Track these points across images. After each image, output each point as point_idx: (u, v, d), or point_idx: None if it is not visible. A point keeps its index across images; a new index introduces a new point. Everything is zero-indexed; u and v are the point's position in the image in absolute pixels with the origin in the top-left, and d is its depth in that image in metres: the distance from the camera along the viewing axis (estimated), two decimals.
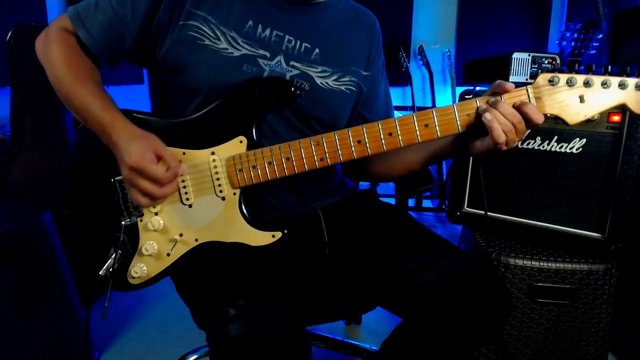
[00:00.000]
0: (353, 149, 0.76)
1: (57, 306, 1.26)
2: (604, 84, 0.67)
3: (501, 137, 0.69)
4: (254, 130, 0.79)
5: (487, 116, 0.69)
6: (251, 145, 0.79)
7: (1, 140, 1.76)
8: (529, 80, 1.23)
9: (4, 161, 1.67)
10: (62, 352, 1.27)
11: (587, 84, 0.68)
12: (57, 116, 1.72)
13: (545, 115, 0.70)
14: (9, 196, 1.61)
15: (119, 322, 1.65)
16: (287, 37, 0.85)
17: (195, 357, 1.31)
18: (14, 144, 1.67)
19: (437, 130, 0.73)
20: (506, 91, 0.71)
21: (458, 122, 0.73)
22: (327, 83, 0.88)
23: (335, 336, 1.37)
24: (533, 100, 0.70)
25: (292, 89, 0.80)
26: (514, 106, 0.70)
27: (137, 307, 1.76)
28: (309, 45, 0.87)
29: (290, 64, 0.85)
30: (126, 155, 0.69)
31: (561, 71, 0.70)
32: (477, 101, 0.72)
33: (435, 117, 0.73)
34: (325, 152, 0.77)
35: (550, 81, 0.69)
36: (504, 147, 0.71)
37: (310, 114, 0.88)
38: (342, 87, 0.90)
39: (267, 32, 0.84)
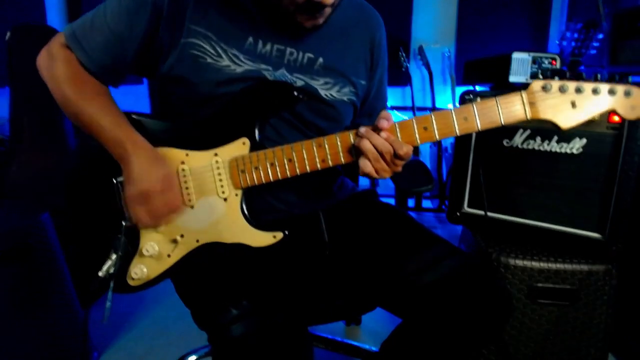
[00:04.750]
0: (354, 151, 0.76)
1: (56, 306, 1.26)
2: (595, 91, 0.70)
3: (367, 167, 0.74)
4: (256, 131, 0.79)
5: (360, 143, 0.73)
6: (254, 147, 0.79)
7: (0, 140, 1.76)
8: (528, 80, 1.23)
9: (2, 161, 1.67)
10: (61, 352, 1.27)
11: (578, 90, 0.70)
12: (55, 116, 1.72)
13: (539, 119, 0.72)
14: (8, 196, 1.60)
15: (119, 323, 1.65)
16: (288, 49, 0.85)
17: (195, 357, 1.31)
18: (12, 144, 1.66)
19: (435, 134, 0.74)
20: (382, 128, 0.73)
21: (456, 126, 0.74)
22: (331, 94, 0.89)
23: (335, 337, 1.37)
24: (527, 106, 0.72)
25: (295, 93, 0.79)
26: (386, 138, 0.72)
27: (136, 308, 1.76)
28: (312, 55, 0.86)
29: (294, 75, 0.86)
30: (138, 180, 0.73)
31: (556, 72, 0.73)
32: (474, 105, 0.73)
33: (434, 121, 0.74)
34: (327, 154, 0.77)
35: (543, 87, 0.71)
36: (375, 175, 0.75)
37: (312, 122, 0.88)
38: (345, 98, 0.91)
39: (268, 47, 0.83)
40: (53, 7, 2.33)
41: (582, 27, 1.94)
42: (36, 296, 1.20)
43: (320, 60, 0.87)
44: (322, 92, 0.87)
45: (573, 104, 0.71)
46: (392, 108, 3.23)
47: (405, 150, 0.72)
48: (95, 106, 0.78)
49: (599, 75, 0.72)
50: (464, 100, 1.19)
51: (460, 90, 2.29)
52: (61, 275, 1.30)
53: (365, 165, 0.73)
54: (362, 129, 0.73)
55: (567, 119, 0.72)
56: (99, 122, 0.76)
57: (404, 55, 3.07)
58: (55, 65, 0.80)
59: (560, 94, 0.71)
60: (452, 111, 0.74)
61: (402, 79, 3.15)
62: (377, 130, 0.73)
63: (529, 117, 0.72)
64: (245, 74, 0.82)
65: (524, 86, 0.73)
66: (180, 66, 0.81)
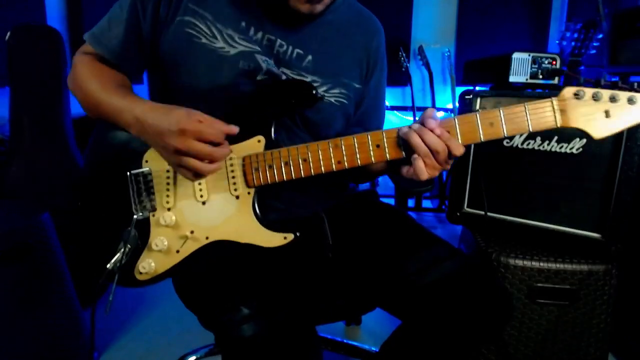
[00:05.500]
0: (372, 153, 0.75)
1: (56, 306, 1.26)
2: (630, 101, 0.67)
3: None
4: (272, 130, 0.79)
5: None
6: (269, 145, 0.79)
7: (0, 140, 1.76)
8: (528, 81, 1.22)
9: (3, 161, 1.67)
10: (61, 352, 1.27)
11: (613, 99, 0.67)
12: (55, 116, 1.72)
13: (570, 128, 0.70)
14: (8, 196, 1.60)
15: (119, 322, 1.65)
16: (278, 41, 0.85)
17: (195, 357, 1.31)
18: (12, 144, 1.66)
19: (458, 138, 0.72)
20: (431, 128, 0.70)
21: (481, 132, 0.71)
22: None
23: (335, 337, 1.37)
24: (558, 113, 0.69)
25: (314, 92, 0.79)
26: (440, 136, 0.70)
27: (137, 307, 1.76)
28: (301, 52, 0.86)
29: (281, 69, 0.85)
30: (172, 124, 0.68)
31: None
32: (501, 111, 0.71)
33: (457, 126, 0.72)
34: (344, 155, 0.76)
35: (575, 95, 0.69)
36: (425, 176, 0.72)
37: (301, 120, 0.88)
38: (332, 99, 0.90)
39: (259, 35, 0.84)
40: (53, 8, 2.32)
41: (582, 27, 1.94)
42: (36, 296, 1.20)
43: (309, 57, 0.87)
44: None
45: (607, 113, 0.68)
46: (392, 108, 3.23)
47: (462, 150, 0.70)
48: (111, 90, 0.79)
49: (636, 84, 0.70)
50: (463, 100, 1.18)
51: (460, 90, 2.29)
52: (61, 275, 1.30)
53: (417, 162, 0.71)
54: (415, 125, 0.71)
55: (600, 129, 0.68)
56: (112, 100, 0.77)
57: (404, 55, 3.07)
58: (76, 68, 0.85)
59: (594, 102, 0.68)
60: (477, 115, 0.71)
61: (402, 79, 3.15)
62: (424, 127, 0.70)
63: (559, 125, 0.69)
64: (239, 56, 0.82)
65: (553, 92, 0.69)
66: (174, 44, 0.82)
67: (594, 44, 1.99)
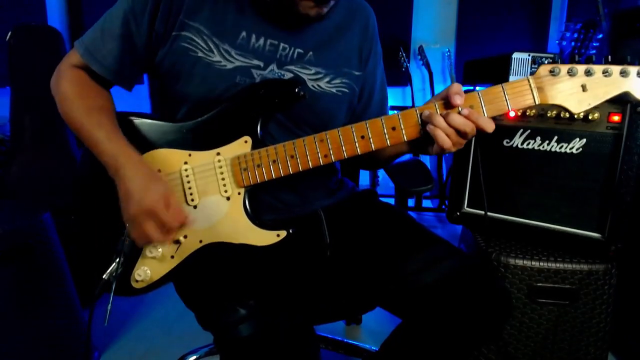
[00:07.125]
0: (357, 145, 0.76)
1: (56, 306, 1.26)
2: (605, 73, 0.68)
3: (446, 143, 0.72)
4: (258, 130, 0.80)
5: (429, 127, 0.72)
6: (256, 145, 0.79)
7: (1, 140, 1.77)
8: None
9: (3, 161, 1.67)
10: (61, 352, 1.27)
11: (588, 72, 0.68)
12: (56, 116, 1.71)
13: (549, 105, 0.71)
14: (9, 196, 1.61)
15: (119, 322, 1.65)
16: (281, 44, 0.85)
17: (195, 357, 1.31)
18: (13, 144, 1.67)
19: None
20: (455, 104, 0.71)
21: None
22: (319, 85, 0.89)
23: (335, 336, 1.37)
24: (535, 90, 0.70)
25: (296, 90, 0.80)
26: (467, 116, 0.70)
27: (137, 307, 1.76)
28: (302, 51, 0.87)
29: (284, 68, 0.86)
30: (140, 197, 0.72)
31: (562, 62, 0.71)
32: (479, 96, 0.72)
33: (437, 110, 0.73)
34: (329, 149, 0.77)
35: (551, 72, 0.69)
36: (453, 149, 0.74)
37: (301, 117, 0.88)
38: (334, 90, 0.90)
39: (261, 41, 0.84)
40: (54, 8, 2.33)
41: (582, 27, 1.95)
42: (36, 296, 1.20)
43: (311, 53, 0.88)
44: (310, 84, 0.88)
45: (584, 88, 0.69)
46: (392, 108, 3.24)
47: (493, 126, 0.71)
48: (93, 120, 0.80)
49: (609, 57, 0.69)
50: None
51: None
52: (61, 275, 1.30)
53: (444, 141, 0.71)
54: (439, 119, 0.71)
55: (578, 103, 0.69)
56: (95, 137, 0.78)
57: (404, 55, 3.07)
58: (62, 83, 0.84)
59: (569, 77, 0.69)
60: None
61: (402, 79, 3.16)
62: (449, 107, 0.71)
63: (537, 102, 0.70)
64: (236, 71, 0.82)
65: (531, 72, 0.70)
66: (170, 58, 0.82)
67: (594, 44, 1.99)
